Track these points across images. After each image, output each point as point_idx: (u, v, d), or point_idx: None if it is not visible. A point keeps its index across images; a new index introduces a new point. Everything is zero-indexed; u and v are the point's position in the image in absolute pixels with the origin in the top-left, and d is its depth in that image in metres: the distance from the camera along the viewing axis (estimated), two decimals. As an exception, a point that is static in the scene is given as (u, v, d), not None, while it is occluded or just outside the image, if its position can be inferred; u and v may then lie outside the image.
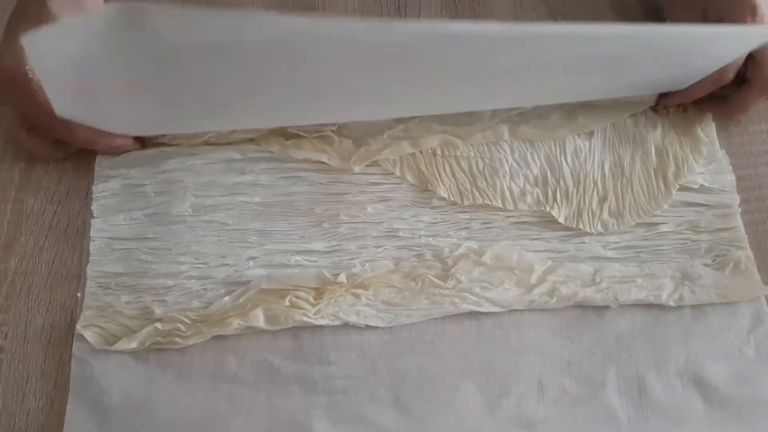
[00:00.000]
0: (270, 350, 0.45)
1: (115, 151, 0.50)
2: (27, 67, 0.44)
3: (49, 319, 0.47)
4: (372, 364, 0.45)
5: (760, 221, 0.49)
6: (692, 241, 0.48)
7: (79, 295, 0.45)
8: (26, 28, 0.43)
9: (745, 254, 0.48)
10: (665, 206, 0.49)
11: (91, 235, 0.48)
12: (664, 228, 0.49)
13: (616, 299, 0.46)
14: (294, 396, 0.44)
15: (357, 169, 0.49)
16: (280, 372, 0.44)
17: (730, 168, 0.51)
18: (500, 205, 0.49)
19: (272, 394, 0.44)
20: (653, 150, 0.51)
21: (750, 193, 0.50)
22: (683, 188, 0.50)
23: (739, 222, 0.49)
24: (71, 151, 0.50)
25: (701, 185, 0.50)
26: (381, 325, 0.45)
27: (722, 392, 0.44)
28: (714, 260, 0.48)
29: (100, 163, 0.50)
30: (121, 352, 0.44)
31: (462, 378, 0.44)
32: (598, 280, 0.47)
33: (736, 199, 0.50)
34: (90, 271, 0.47)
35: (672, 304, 0.46)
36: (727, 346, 0.46)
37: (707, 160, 0.51)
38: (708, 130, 0.52)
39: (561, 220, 0.48)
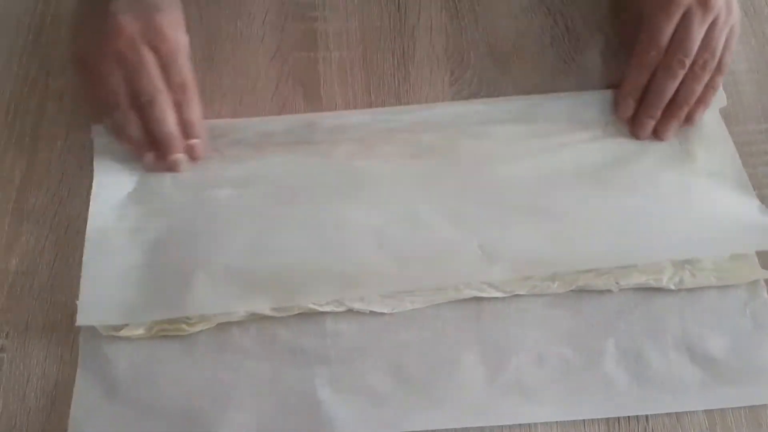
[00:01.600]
0: (274, 322, 0.45)
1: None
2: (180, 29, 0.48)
3: (49, 318, 0.47)
4: (374, 336, 0.45)
5: (760, 221, 0.49)
6: None
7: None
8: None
9: None
10: None
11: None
12: None
13: (617, 284, 0.46)
14: (298, 366, 0.44)
15: None
16: (285, 343, 0.45)
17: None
18: None
19: (276, 365, 0.44)
20: None
21: (750, 193, 0.50)
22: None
23: None
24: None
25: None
26: (385, 311, 0.46)
27: (718, 362, 0.44)
28: None
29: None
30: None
31: (463, 349, 0.45)
32: None
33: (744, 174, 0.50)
34: None
35: (672, 287, 0.46)
36: (723, 317, 0.46)
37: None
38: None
39: None
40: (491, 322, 0.46)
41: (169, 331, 0.45)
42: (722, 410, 0.43)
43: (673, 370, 0.44)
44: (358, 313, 0.46)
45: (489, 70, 0.56)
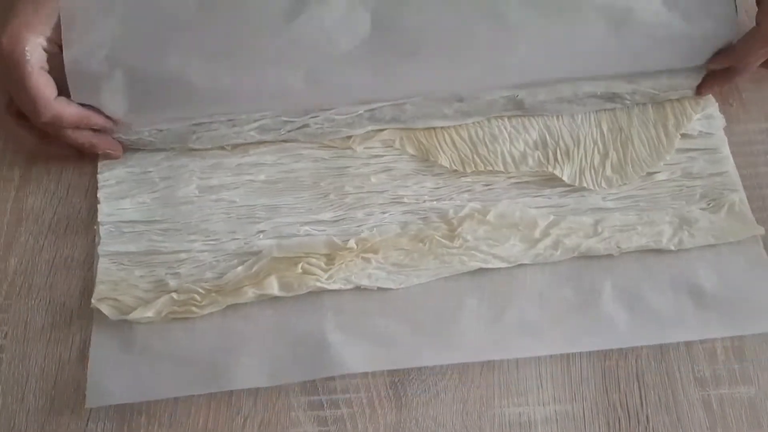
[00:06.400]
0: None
1: (99, 150, 0.50)
2: (26, 48, 0.45)
3: (48, 318, 0.47)
4: (380, 293, 0.47)
5: (760, 221, 0.49)
6: (687, 187, 0.50)
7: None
8: (26, 8, 0.44)
9: (739, 197, 0.49)
10: (668, 157, 0.50)
11: (99, 219, 0.49)
12: (659, 177, 0.50)
13: (618, 247, 0.47)
14: (307, 314, 0.46)
15: (358, 149, 0.51)
16: (294, 299, 0.46)
17: (721, 115, 0.52)
18: (503, 170, 0.50)
19: (287, 315, 0.46)
20: (650, 105, 0.52)
21: (750, 193, 0.50)
22: (683, 136, 0.51)
23: (730, 166, 0.50)
24: (58, 149, 0.50)
25: (700, 131, 0.51)
26: (392, 287, 0.47)
27: (711, 296, 0.46)
28: (709, 204, 0.49)
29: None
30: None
31: (467, 293, 0.47)
32: (599, 230, 0.48)
33: (725, 142, 0.51)
34: (101, 251, 0.48)
35: (672, 248, 0.48)
36: (717, 254, 0.47)
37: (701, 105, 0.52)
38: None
39: (565, 178, 0.50)
40: (493, 271, 0.47)
41: (178, 314, 0.45)
42: (722, 410, 0.44)
43: (669, 305, 0.46)
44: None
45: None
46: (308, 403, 0.44)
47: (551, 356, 0.45)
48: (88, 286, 0.47)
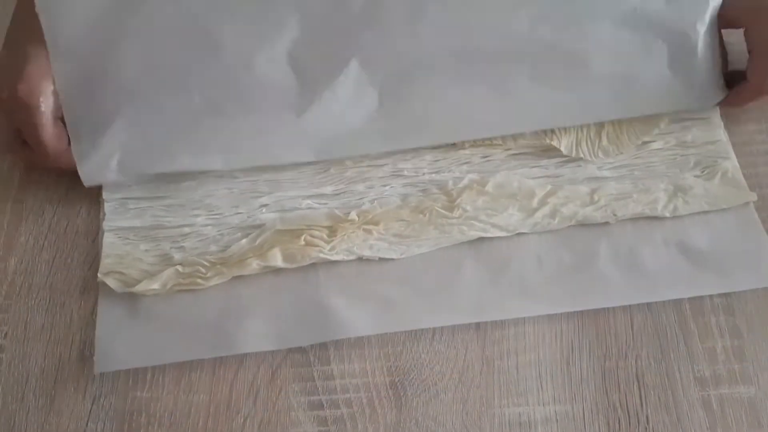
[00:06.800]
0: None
1: None
2: (41, 98, 0.45)
3: (48, 318, 0.47)
4: (380, 261, 0.48)
5: (760, 221, 0.49)
6: (681, 155, 0.51)
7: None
8: (38, 52, 0.45)
9: (732, 164, 0.50)
10: (662, 126, 0.51)
11: (103, 196, 0.49)
12: (654, 146, 0.51)
13: (615, 215, 0.49)
14: (310, 281, 0.47)
15: None
16: (298, 269, 0.47)
17: None
18: (501, 144, 0.51)
19: (290, 281, 0.47)
20: None
21: (750, 193, 0.50)
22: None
23: (722, 134, 0.51)
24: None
25: None
26: (394, 257, 0.48)
27: (704, 256, 0.47)
28: (703, 172, 0.50)
29: None
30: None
31: (466, 258, 0.48)
32: (596, 199, 0.49)
33: (716, 110, 0.52)
34: (106, 226, 0.48)
35: (668, 215, 0.49)
36: (710, 217, 0.49)
37: None
38: None
39: (562, 150, 0.51)
40: (493, 240, 0.48)
41: (184, 286, 0.46)
42: (722, 410, 0.44)
43: (663, 264, 0.47)
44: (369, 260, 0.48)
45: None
46: (308, 403, 0.44)
47: (551, 357, 0.45)
48: (88, 286, 0.47)
